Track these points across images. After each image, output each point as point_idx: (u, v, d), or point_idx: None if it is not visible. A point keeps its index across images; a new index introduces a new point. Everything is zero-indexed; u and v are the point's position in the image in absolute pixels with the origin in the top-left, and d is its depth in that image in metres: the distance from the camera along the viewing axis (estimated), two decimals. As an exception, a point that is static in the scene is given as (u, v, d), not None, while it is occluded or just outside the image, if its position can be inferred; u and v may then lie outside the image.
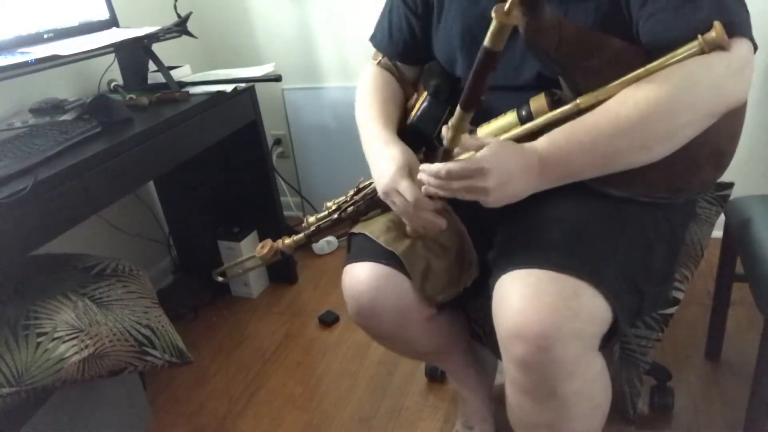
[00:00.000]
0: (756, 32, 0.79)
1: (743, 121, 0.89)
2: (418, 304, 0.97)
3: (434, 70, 1.04)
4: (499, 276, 0.82)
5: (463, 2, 0.96)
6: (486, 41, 0.66)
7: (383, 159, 0.92)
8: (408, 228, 0.96)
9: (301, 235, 1.12)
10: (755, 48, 0.79)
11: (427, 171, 0.82)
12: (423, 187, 0.85)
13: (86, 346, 1.03)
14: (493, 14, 0.63)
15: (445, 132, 0.81)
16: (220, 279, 1.29)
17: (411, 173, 0.89)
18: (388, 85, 1.09)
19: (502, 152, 0.79)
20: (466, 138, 0.81)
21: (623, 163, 0.81)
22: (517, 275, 0.79)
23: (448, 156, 0.83)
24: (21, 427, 1.05)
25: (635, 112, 0.76)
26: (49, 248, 1.15)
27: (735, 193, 1.19)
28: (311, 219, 1.11)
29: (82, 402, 1.21)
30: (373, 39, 1.13)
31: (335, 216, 1.07)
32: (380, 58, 1.11)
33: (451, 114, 1.00)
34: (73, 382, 1.04)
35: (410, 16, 1.05)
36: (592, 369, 0.79)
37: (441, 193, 0.83)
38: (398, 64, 1.11)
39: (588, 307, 0.76)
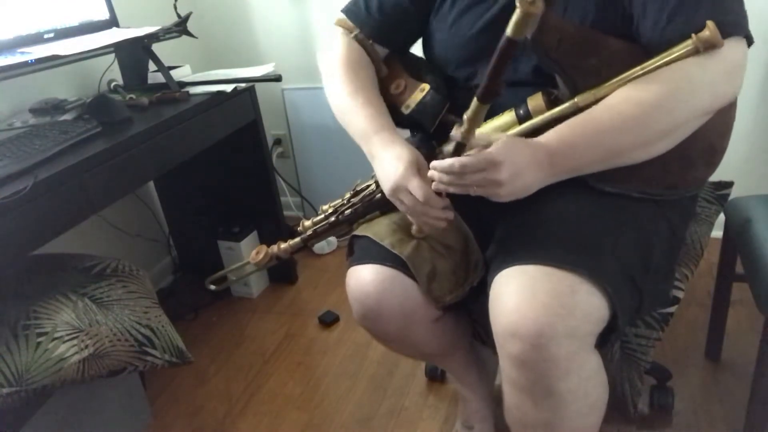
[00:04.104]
0: (756, 31, 0.80)
1: (734, 119, 0.91)
2: (424, 306, 0.96)
3: (426, 65, 1.04)
4: (496, 273, 0.83)
5: (466, 5, 0.96)
6: (509, 30, 0.66)
7: (390, 158, 0.91)
8: (414, 227, 0.96)
9: (297, 239, 1.11)
10: (751, 42, 0.81)
11: (439, 167, 0.82)
12: (433, 184, 0.85)
13: (86, 346, 1.04)
14: (517, 3, 0.64)
15: (455, 129, 0.80)
16: (213, 287, 1.24)
17: (419, 171, 0.88)
18: (366, 69, 1.04)
19: (513, 146, 0.79)
20: (474, 136, 0.81)
21: (625, 159, 0.83)
22: (513, 272, 0.79)
23: (460, 150, 0.82)
24: (21, 427, 1.06)
25: (639, 111, 0.78)
26: (49, 248, 1.15)
27: (735, 193, 1.19)
28: (307, 223, 1.10)
29: (82, 402, 1.21)
30: (352, 12, 1.07)
31: (332, 219, 1.06)
32: (356, 32, 1.05)
33: (449, 110, 1.01)
34: (73, 382, 1.04)
35: (406, 3, 1.03)
36: (587, 367, 0.80)
37: (451, 189, 0.83)
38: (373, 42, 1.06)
39: (583, 305, 0.76)
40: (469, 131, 0.79)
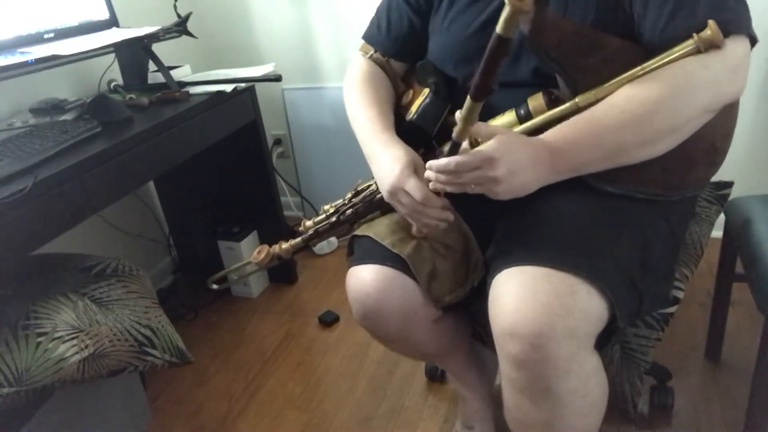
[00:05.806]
0: (757, 32, 0.80)
1: (736, 120, 0.90)
2: (424, 306, 0.96)
3: (430, 68, 1.04)
4: (496, 274, 0.83)
5: (463, 5, 0.97)
6: (498, 28, 0.66)
7: (387, 160, 0.92)
8: (413, 228, 0.96)
9: (298, 239, 1.12)
10: (755, 41, 0.80)
11: (435, 166, 0.82)
12: (430, 184, 0.85)
13: (86, 346, 1.04)
14: (506, 0, 0.63)
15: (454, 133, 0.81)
16: (215, 287, 1.26)
17: (416, 172, 0.89)
18: (381, 82, 1.08)
19: (510, 142, 0.79)
20: (478, 125, 0.80)
21: (628, 158, 0.82)
22: (512, 273, 0.79)
23: (456, 149, 0.82)
24: (21, 427, 1.06)
25: (640, 109, 0.78)
26: (49, 248, 1.14)
27: (735, 193, 1.19)
28: (308, 223, 1.11)
29: (82, 402, 1.21)
30: (369, 34, 1.13)
31: (333, 219, 1.07)
32: (371, 52, 1.11)
33: (451, 112, 1.01)
34: (73, 382, 1.04)
35: (411, 14, 1.05)
36: (586, 367, 0.80)
37: (449, 188, 0.83)
38: (390, 59, 1.11)
39: (582, 305, 0.76)
40: (464, 130, 0.79)
